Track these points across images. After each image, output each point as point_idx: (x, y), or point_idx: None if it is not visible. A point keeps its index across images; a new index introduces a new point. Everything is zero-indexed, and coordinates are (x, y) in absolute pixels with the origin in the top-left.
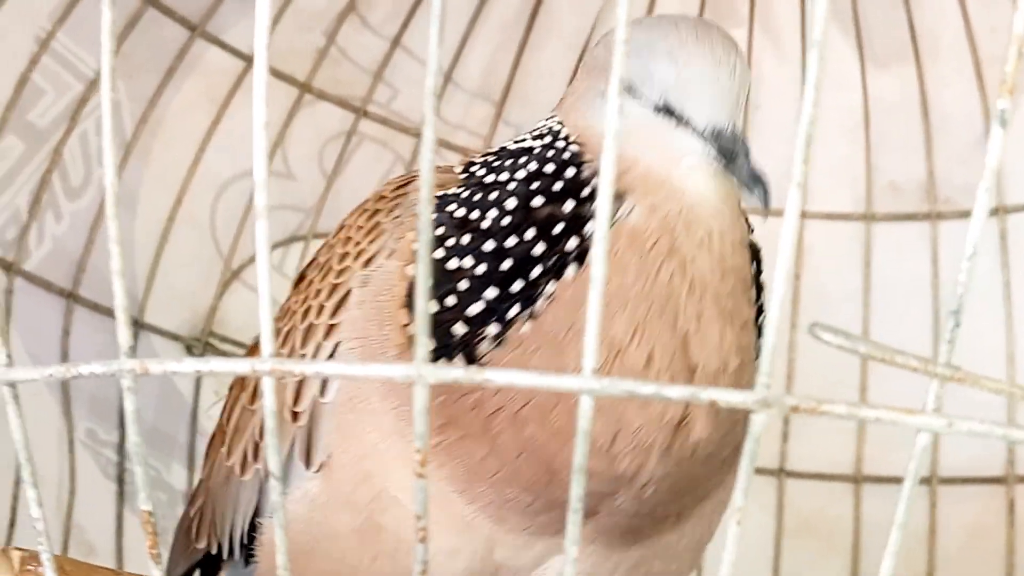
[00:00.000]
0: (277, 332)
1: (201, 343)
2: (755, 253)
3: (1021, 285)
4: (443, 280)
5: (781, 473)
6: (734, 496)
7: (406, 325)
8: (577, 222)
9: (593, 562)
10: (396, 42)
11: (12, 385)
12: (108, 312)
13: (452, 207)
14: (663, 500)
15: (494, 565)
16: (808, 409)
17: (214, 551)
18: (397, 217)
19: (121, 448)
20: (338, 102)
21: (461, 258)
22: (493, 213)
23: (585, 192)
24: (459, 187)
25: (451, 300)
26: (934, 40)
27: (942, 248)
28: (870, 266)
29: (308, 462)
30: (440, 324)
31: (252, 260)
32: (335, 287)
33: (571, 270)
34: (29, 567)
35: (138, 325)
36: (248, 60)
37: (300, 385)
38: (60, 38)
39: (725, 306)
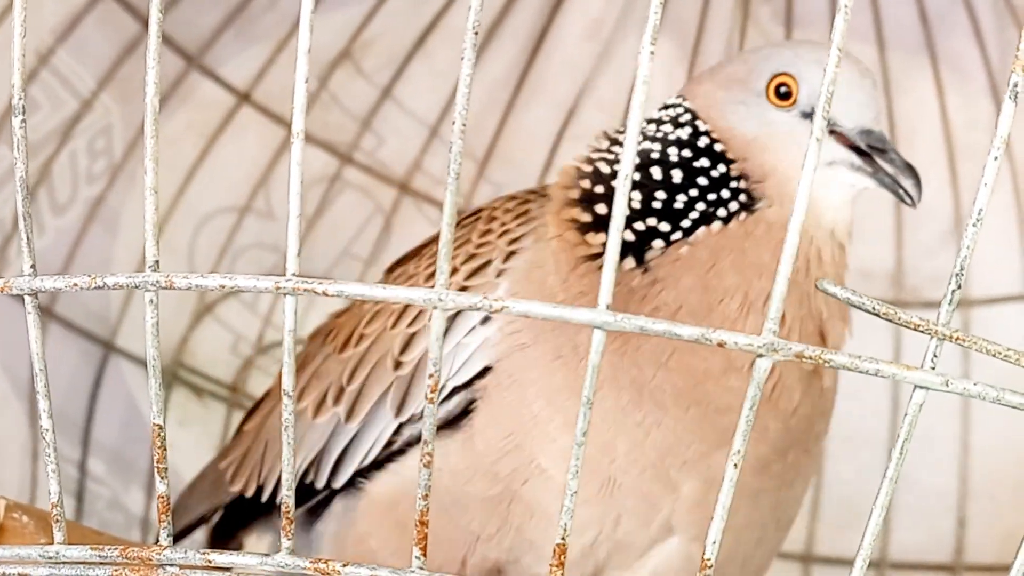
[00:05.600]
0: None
1: (168, 373)
2: None
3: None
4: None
5: None
6: (734, 440)
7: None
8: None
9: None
10: (387, 92)
11: (35, 295)
12: (80, 331)
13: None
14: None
15: (612, 544)
16: (813, 357)
17: (249, 494)
18: (544, 208)
19: (83, 466)
20: (324, 146)
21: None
22: (658, 171)
23: (732, 184)
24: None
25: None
26: (911, 131)
27: (905, 336)
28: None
29: (399, 412)
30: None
31: (226, 296)
32: (472, 256)
33: (716, 225)
34: (13, 515)
35: (109, 347)
36: (240, 96)
37: (410, 338)
38: (60, 54)
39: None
